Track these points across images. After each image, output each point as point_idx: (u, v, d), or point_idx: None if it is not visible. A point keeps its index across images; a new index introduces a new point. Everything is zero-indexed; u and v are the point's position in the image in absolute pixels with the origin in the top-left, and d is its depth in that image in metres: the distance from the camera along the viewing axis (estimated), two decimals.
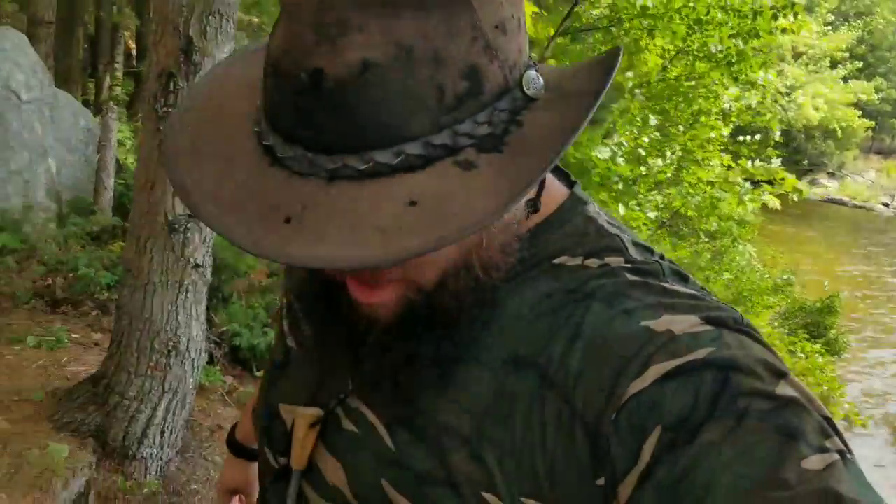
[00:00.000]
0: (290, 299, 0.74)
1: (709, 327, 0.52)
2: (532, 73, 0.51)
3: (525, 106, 0.50)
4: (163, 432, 2.57)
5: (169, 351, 2.48)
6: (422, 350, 0.58)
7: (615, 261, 0.58)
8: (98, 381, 2.55)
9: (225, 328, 3.59)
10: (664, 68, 6.56)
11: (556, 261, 0.59)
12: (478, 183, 0.46)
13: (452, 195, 0.46)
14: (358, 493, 0.61)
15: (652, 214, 5.87)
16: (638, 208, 5.56)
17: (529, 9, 6.65)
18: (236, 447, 0.97)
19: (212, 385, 3.19)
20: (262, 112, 0.50)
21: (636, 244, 0.61)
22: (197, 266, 2.41)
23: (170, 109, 2.17)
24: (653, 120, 5.81)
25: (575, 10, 6.86)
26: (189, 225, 2.33)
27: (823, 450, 0.45)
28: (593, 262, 0.58)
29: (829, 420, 0.48)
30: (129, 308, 2.43)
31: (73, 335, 3.28)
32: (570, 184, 0.65)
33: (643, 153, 5.84)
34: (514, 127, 0.49)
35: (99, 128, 4.88)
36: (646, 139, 5.78)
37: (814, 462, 0.44)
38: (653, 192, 6.49)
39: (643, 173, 5.87)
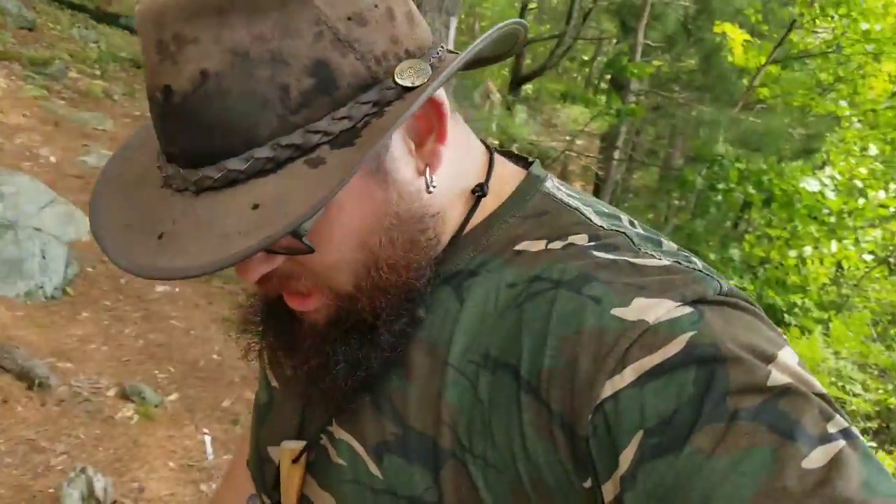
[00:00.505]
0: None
1: (687, 309, 0.48)
2: (408, 62, 0.50)
3: (400, 96, 0.49)
4: None
5: None
6: (366, 355, 0.57)
7: (580, 238, 0.55)
8: None
9: None
10: (894, 94, 6.02)
11: (518, 247, 0.57)
12: (316, 180, 0.46)
13: (291, 195, 0.46)
14: None
15: (868, 256, 5.41)
16: (853, 247, 5.16)
17: (740, 37, 6.50)
18: None
19: None
20: None
21: (601, 213, 0.59)
22: None
23: None
24: (872, 149, 5.38)
25: (790, 36, 6.59)
26: None
27: (825, 439, 0.42)
28: (557, 245, 0.56)
29: (825, 398, 0.46)
30: None
31: None
32: (528, 165, 0.64)
33: (861, 185, 5.42)
34: (374, 118, 0.49)
35: None
36: (863, 170, 5.37)
37: (816, 459, 0.41)
38: (871, 228, 5.95)
39: (860, 206, 5.44)
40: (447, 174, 0.58)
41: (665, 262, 0.53)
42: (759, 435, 0.43)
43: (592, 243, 0.55)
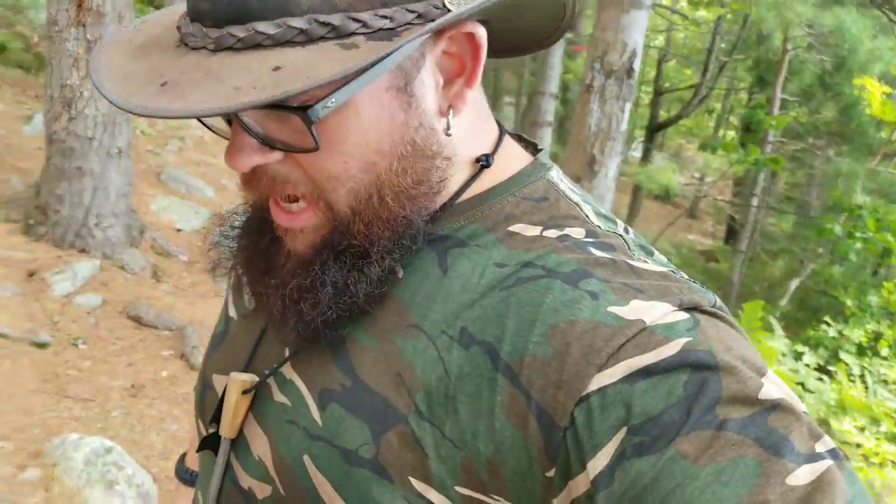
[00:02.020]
0: (237, 270, 0.69)
1: (684, 315, 0.50)
2: None
3: (441, 16, 0.51)
4: None
5: None
6: (354, 282, 0.57)
7: (576, 232, 0.57)
8: None
9: None
10: None
11: (512, 228, 0.59)
12: (347, 57, 0.48)
13: (317, 65, 0.47)
14: (279, 469, 0.61)
15: None
16: None
17: (879, 90, 6.92)
18: (186, 475, 0.94)
19: None
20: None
21: (599, 214, 0.61)
22: None
23: None
24: None
25: None
26: None
27: (813, 458, 0.44)
28: (552, 234, 0.57)
29: (811, 417, 0.47)
30: None
31: None
32: (536, 152, 0.66)
33: None
34: (416, 27, 0.51)
35: None
36: None
37: (801, 476, 0.43)
38: None
39: None
40: (464, 127, 0.60)
41: (661, 268, 0.55)
42: (745, 447, 0.44)
43: (590, 239, 0.57)
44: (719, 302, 0.55)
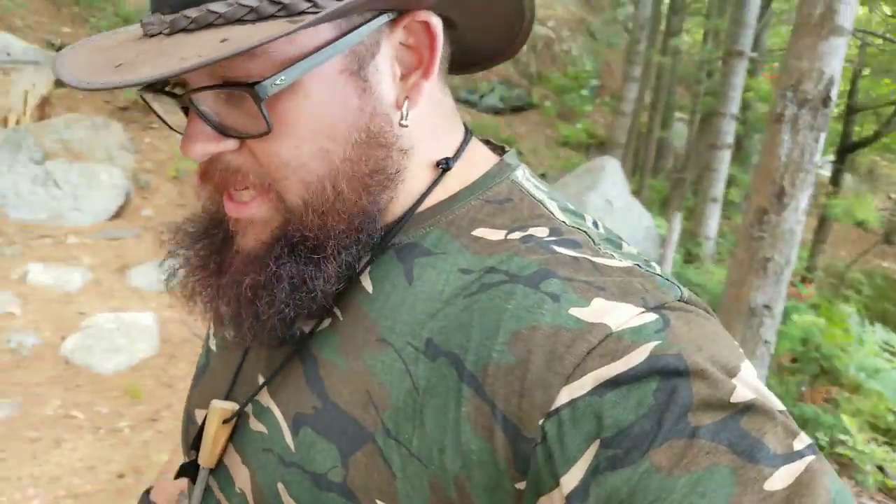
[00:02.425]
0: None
1: (651, 316, 0.49)
2: None
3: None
4: None
5: None
6: (311, 276, 0.56)
7: (540, 231, 0.57)
8: None
9: None
10: None
11: (476, 232, 0.58)
12: (291, 24, 0.49)
13: (259, 32, 0.49)
14: (257, 500, 0.60)
15: None
16: None
17: None
18: None
19: None
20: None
21: (565, 209, 0.60)
22: (766, 342, 3.67)
23: (763, 235, 3.51)
24: None
25: None
26: (765, 314, 3.62)
27: (790, 458, 0.44)
28: (516, 235, 0.57)
29: (787, 415, 0.47)
30: None
31: None
32: (503, 153, 0.66)
33: None
34: (368, 12, 0.54)
35: (642, 226, 6.68)
36: None
37: (779, 479, 0.43)
38: None
39: None
40: (426, 127, 0.60)
41: (626, 263, 0.54)
42: (719, 454, 0.43)
43: (553, 238, 0.56)
44: (687, 293, 0.53)
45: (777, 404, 0.48)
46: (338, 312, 0.60)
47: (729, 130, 7.08)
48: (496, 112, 11.97)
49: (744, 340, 3.74)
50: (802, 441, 0.45)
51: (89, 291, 4.15)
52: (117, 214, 5.15)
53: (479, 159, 0.64)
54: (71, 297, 4.05)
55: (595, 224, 0.61)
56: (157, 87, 0.57)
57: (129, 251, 4.70)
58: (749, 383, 0.48)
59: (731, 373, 0.47)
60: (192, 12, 0.51)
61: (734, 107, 6.99)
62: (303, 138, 0.54)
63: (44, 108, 5.40)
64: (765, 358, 3.80)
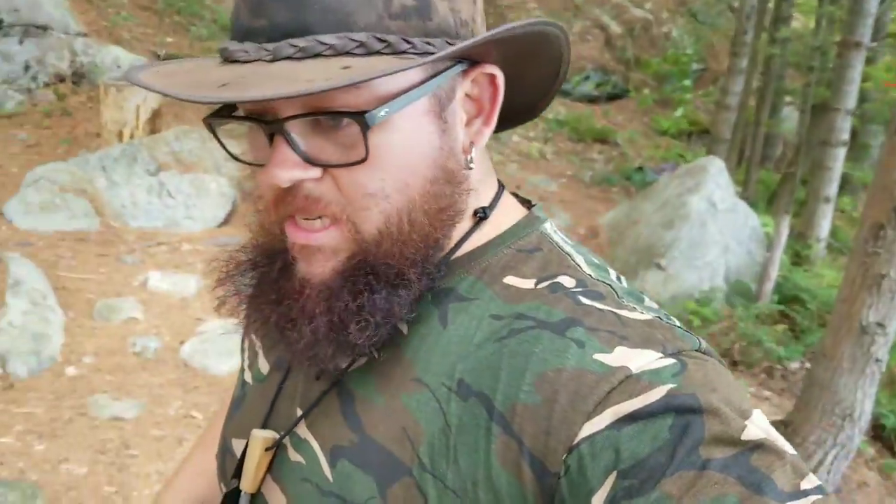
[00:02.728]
0: (250, 340, 0.78)
1: (669, 360, 0.52)
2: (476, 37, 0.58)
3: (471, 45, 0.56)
4: (827, 473, 3.75)
5: (844, 416, 3.64)
6: (395, 302, 0.59)
7: (567, 281, 0.61)
8: (787, 424, 3.91)
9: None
10: None
11: (507, 280, 0.62)
12: (404, 63, 0.53)
13: (374, 65, 0.53)
14: None
15: None
16: None
17: None
18: None
19: (862, 449, 4.19)
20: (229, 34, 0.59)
21: (591, 263, 0.64)
22: (878, 360, 3.52)
23: (878, 251, 3.36)
24: None
25: None
26: (878, 332, 3.47)
27: (796, 496, 0.46)
28: (544, 284, 0.61)
29: (798, 459, 0.49)
30: (820, 380, 3.70)
31: (749, 389, 4.77)
32: (531, 207, 0.70)
33: None
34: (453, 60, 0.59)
35: (750, 227, 6.46)
36: None
37: None
38: None
39: None
40: (476, 172, 0.64)
41: (647, 316, 0.57)
42: (727, 485, 0.46)
43: (579, 288, 0.60)
44: (705, 345, 0.57)
45: (788, 448, 0.50)
46: (375, 352, 0.63)
47: (844, 127, 6.68)
48: (590, 100, 11.78)
49: (853, 358, 3.61)
50: (811, 482, 0.47)
51: (203, 297, 4.46)
52: (225, 221, 5.47)
53: (510, 210, 0.69)
54: (187, 303, 4.36)
55: (618, 278, 0.66)
56: (231, 114, 0.60)
57: None
58: (760, 426, 0.50)
59: (744, 415, 0.51)
60: (300, 42, 0.54)
61: (850, 102, 6.56)
62: (388, 171, 0.58)
63: (155, 122, 5.80)
64: (875, 376, 3.65)
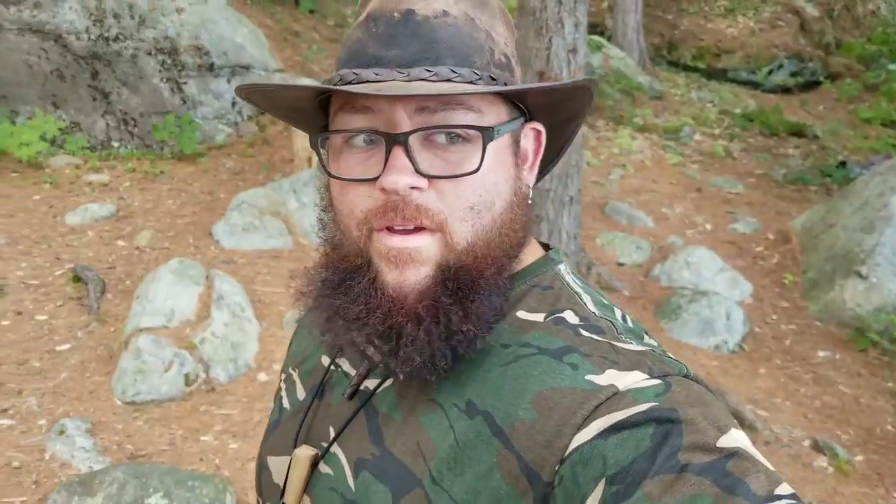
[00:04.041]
0: (288, 371, 0.90)
1: (655, 381, 0.58)
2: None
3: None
4: None
5: None
6: (478, 313, 0.66)
7: (572, 317, 0.68)
8: None
9: None
10: None
11: (520, 314, 0.70)
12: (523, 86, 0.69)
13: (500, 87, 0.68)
14: None
15: None
16: None
17: None
18: None
19: None
20: (338, 64, 0.70)
21: (598, 303, 0.71)
22: None
23: None
24: None
25: None
26: None
27: (770, 499, 0.48)
28: (551, 318, 0.68)
29: (775, 472, 0.52)
30: None
31: None
32: (548, 249, 0.80)
33: None
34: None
35: None
36: None
37: None
38: None
39: None
40: None
41: (641, 348, 0.64)
42: (704, 486, 0.49)
43: (582, 323, 0.67)
44: (693, 374, 0.62)
45: (764, 461, 0.53)
46: (399, 373, 0.69)
47: None
48: (784, 91, 10.90)
49: None
50: (785, 489, 0.50)
51: None
52: None
53: (532, 248, 0.77)
54: None
55: (623, 318, 0.71)
56: (345, 129, 0.68)
57: None
58: (738, 438, 0.54)
59: (722, 430, 0.55)
60: (433, 68, 0.64)
61: None
62: (485, 188, 0.67)
63: None
64: None
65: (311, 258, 4.26)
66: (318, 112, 0.74)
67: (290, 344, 0.95)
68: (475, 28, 0.68)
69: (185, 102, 6.81)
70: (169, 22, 6.64)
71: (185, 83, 6.79)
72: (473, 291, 0.66)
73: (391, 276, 0.66)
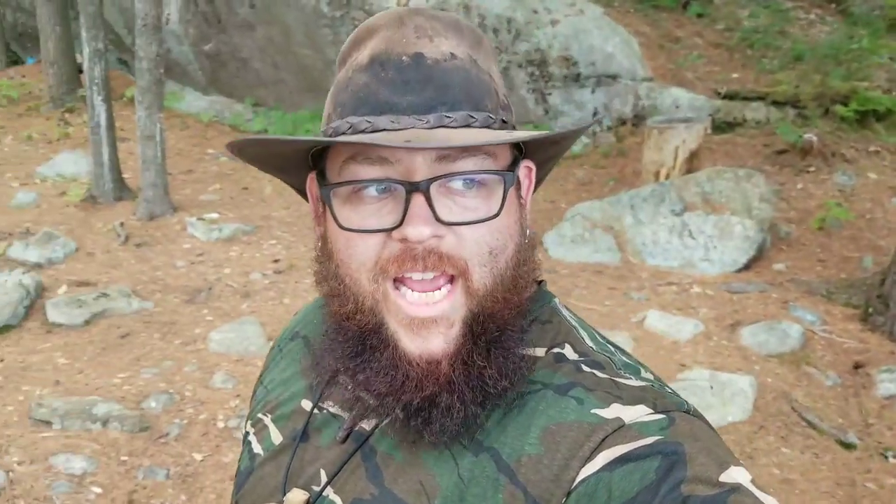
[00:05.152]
0: (255, 419, 0.87)
1: (659, 415, 0.61)
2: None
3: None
4: None
5: None
6: (506, 365, 0.66)
7: (571, 353, 0.70)
8: None
9: None
10: None
11: (521, 351, 0.69)
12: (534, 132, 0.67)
13: (516, 134, 0.65)
14: None
15: None
16: None
17: None
18: None
19: None
20: (338, 111, 0.68)
21: (593, 338, 0.73)
22: None
23: None
24: None
25: None
26: None
27: None
28: (552, 353, 0.70)
29: None
30: None
31: None
32: (538, 283, 0.78)
33: None
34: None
35: None
36: None
37: None
38: None
39: None
40: None
41: (641, 383, 0.66)
42: None
43: (582, 358, 0.69)
44: (694, 409, 0.65)
45: (767, 498, 0.54)
46: (399, 412, 0.67)
47: None
48: None
49: None
50: None
51: (697, 343, 4.37)
52: (746, 267, 5.20)
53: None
54: (677, 347, 4.34)
55: (620, 352, 0.73)
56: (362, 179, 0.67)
57: (748, 307, 4.71)
58: (740, 475, 0.55)
59: (723, 466, 0.56)
60: (453, 114, 0.65)
61: None
62: (500, 232, 0.67)
63: (692, 162, 5.88)
64: None
65: (636, 279, 4.13)
66: (306, 162, 0.73)
67: (255, 391, 0.94)
68: (479, 70, 0.69)
69: (547, 113, 7.11)
70: (542, 34, 6.99)
71: (549, 94, 7.09)
72: (503, 344, 0.67)
73: (413, 345, 0.65)
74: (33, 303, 4.55)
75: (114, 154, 6.41)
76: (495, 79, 0.71)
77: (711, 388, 3.89)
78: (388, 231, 0.64)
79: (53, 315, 4.43)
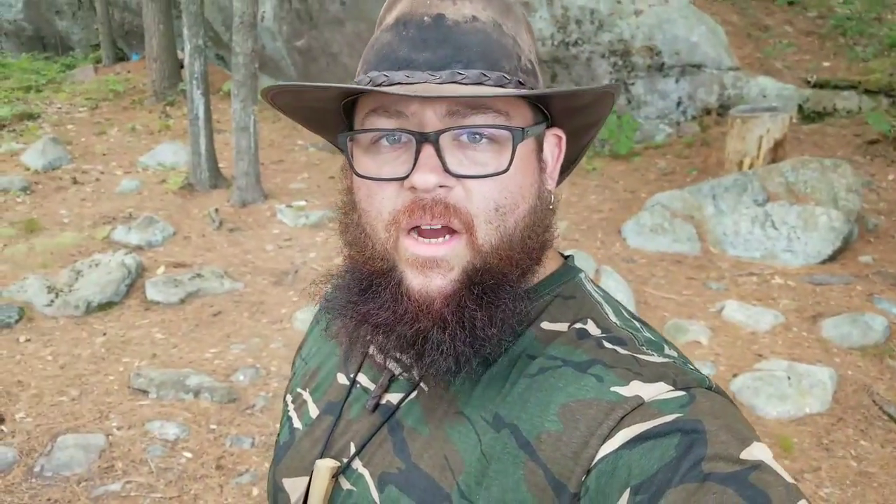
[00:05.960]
0: (296, 392, 0.89)
1: (679, 392, 0.60)
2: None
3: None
4: None
5: None
6: (507, 313, 0.67)
7: (594, 328, 0.70)
8: None
9: None
10: None
11: (545, 325, 0.71)
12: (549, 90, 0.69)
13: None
14: None
15: None
16: None
17: None
18: None
19: None
20: (364, 67, 0.71)
21: (618, 313, 0.73)
22: None
23: None
24: None
25: None
26: None
27: None
28: (574, 328, 0.70)
29: (797, 486, 0.52)
30: None
31: None
32: (565, 258, 0.81)
33: None
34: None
35: None
36: None
37: None
38: None
39: None
40: None
41: (663, 360, 0.65)
42: (727, 496, 0.50)
43: (604, 334, 0.68)
44: (715, 385, 0.63)
45: (788, 476, 0.54)
46: (424, 386, 0.72)
47: None
48: None
49: None
50: None
51: (776, 335, 4.35)
52: (831, 258, 5.11)
53: (553, 257, 0.79)
54: (756, 337, 4.33)
55: (644, 328, 0.73)
56: (377, 128, 0.69)
57: (831, 299, 4.64)
58: (761, 453, 0.55)
59: (745, 442, 0.56)
60: (466, 71, 0.67)
61: None
62: (511, 191, 0.68)
63: (776, 152, 5.78)
64: None
65: (716, 269, 4.17)
66: (340, 117, 0.76)
67: (294, 366, 0.97)
68: (503, 34, 0.70)
69: (629, 102, 7.12)
70: (625, 24, 7.00)
71: (632, 83, 7.09)
72: (498, 296, 0.67)
73: (416, 281, 0.67)
74: (134, 282, 4.91)
75: (210, 145, 6.81)
76: (521, 44, 0.72)
77: (789, 378, 3.88)
78: (401, 180, 0.67)
79: (152, 293, 4.78)
